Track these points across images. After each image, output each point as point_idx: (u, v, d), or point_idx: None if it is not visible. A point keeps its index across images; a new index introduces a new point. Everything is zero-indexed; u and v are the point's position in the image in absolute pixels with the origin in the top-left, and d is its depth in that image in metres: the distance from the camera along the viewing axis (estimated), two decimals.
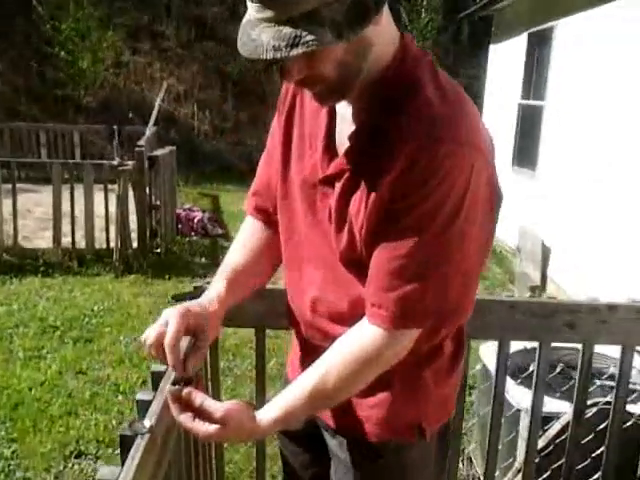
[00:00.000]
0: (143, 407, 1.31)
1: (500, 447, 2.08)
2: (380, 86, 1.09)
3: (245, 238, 1.41)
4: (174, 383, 1.14)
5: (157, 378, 1.41)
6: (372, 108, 1.10)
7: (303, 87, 1.12)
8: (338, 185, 1.13)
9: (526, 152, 7.56)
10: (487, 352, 2.66)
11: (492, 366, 2.09)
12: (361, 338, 1.12)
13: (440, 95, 1.06)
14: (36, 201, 7.60)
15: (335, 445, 1.34)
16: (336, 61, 1.01)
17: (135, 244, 6.27)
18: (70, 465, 3.12)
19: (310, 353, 1.27)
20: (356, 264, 1.15)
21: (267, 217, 1.38)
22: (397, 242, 1.06)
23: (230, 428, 1.09)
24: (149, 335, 1.13)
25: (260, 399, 2.06)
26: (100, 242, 6.24)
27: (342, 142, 1.14)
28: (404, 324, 1.09)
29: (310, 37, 0.93)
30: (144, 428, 1.17)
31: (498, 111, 8.32)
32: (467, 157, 1.02)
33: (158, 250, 6.51)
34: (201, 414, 1.10)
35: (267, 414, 1.12)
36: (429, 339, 1.17)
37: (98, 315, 5.02)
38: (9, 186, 6.07)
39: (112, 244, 6.16)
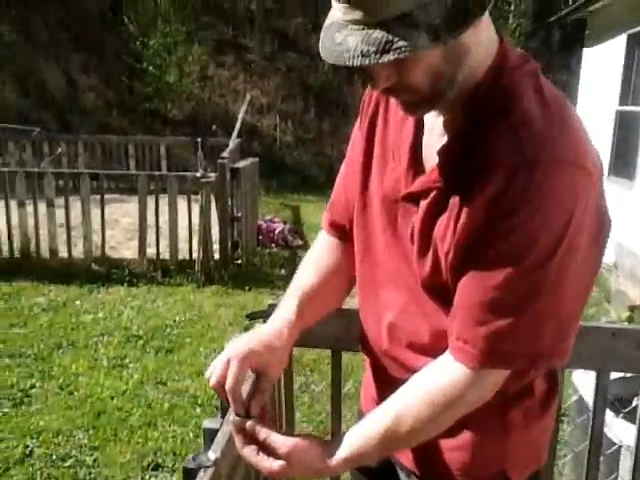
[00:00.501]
0: (209, 436, 1.24)
1: None
2: (475, 96, 0.97)
3: (318, 256, 1.31)
4: (238, 414, 1.07)
5: (225, 406, 1.34)
6: (465, 121, 0.99)
7: (389, 95, 1.01)
8: (423, 204, 1.02)
9: (624, 161, 7.16)
10: (582, 380, 2.46)
11: (589, 396, 1.91)
12: (442, 376, 1.01)
13: (541, 108, 0.93)
14: (123, 212, 7.84)
15: None
16: (429, 68, 0.90)
17: (217, 255, 6.33)
18: (147, 477, 3.13)
19: (385, 386, 1.17)
20: (441, 292, 1.04)
21: (343, 233, 1.28)
22: (489, 271, 0.94)
23: (295, 466, 1.02)
24: (212, 375, 1.07)
25: (335, 425, 1.97)
26: (183, 253, 6.34)
27: (430, 156, 1.03)
28: (492, 363, 0.97)
29: (403, 42, 0.82)
30: (208, 461, 1.11)
31: (593, 118, 7.90)
32: (571, 179, 0.90)
33: (239, 261, 6.55)
34: (266, 448, 1.03)
35: (337, 453, 1.03)
36: (517, 380, 1.05)
37: (179, 325, 5.08)
38: (98, 197, 6.26)
39: (195, 255, 6.25)
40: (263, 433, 1.04)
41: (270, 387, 1.14)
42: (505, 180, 0.90)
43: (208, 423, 1.29)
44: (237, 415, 1.07)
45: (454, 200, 0.97)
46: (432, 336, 1.08)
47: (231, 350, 1.09)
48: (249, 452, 1.04)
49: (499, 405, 1.07)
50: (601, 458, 1.86)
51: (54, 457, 3.25)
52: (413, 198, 1.04)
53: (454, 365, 0.99)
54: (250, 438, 1.05)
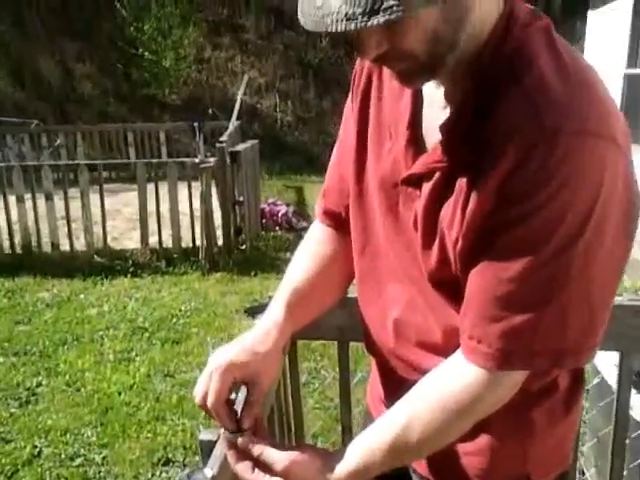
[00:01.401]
0: (206, 450, 1.14)
1: (625, 473, 1.80)
2: (480, 61, 0.85)
3: (312, 248, 1.19)
4: (228, 430, 0.98)
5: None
6: (470, 90, 0.86)
7: (382, 65, 0.89)
8: (427, 187, 0.90)
9: (633, 126, 6.98)
10: (605, 361, 2.34)
11: (612, 378, 1.81)
12: (454, 379, 0.90)
13: (559, 72, 0.81)
14: (125, 201, 7.74)
15: None
16: (425, 31, 0.78)
17: (220, 241, 6.24)
18: (158, 473, 3.07)
19: (393, 387, 1.07)
20: (450, 286, 0.92)
21: (339, 222, 1.16)
22: (505, 261, 0.83)
23: None
24: (196, 394, 0.97)
25: (345, 418, 1.88)
26: (186, 240, 6.24)
27: (431, 132, 0.91)
28: (510, 364, 0.86)
29: (394, 1, 0.70)
30: (204, 478, 1.01)
31: None
32: (597, 152, 0.78)
33: (243, 247, 6.45)
34: (262, 464, 0.94)
35: (341, 466, 0.93)
36: (540, 379, 0.95)
37: (185, 315, 5.00)
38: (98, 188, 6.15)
39: (198, 242, 6.15)
40: (257, 449, 0.94)
41: (262, 397, 1.03)
42: (521, 155, 0.79)
43: (204, 434, 1.19)
44: (228, 431, 0.98)
45: (461, 182, 0.85)
46: (444, 334, 0.97)
47: (212, 363, 0.99)
48: (243, 469, 0.95)
49: (520, 405, 0.96)
50: (627, 442, 1.77)
51: (63, 456, 3.20)
52: (414, 181, 0.93)
53: (467, 367, 0.88)
54: (244, 454, 0.95)
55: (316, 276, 1.14)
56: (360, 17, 0.71)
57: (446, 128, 0.87)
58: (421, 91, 0.94)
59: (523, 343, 0.84)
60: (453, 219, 0.87)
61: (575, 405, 1.07)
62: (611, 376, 2.09)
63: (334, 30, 0.73)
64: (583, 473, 2.58)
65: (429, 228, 0.91)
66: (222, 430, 0.99)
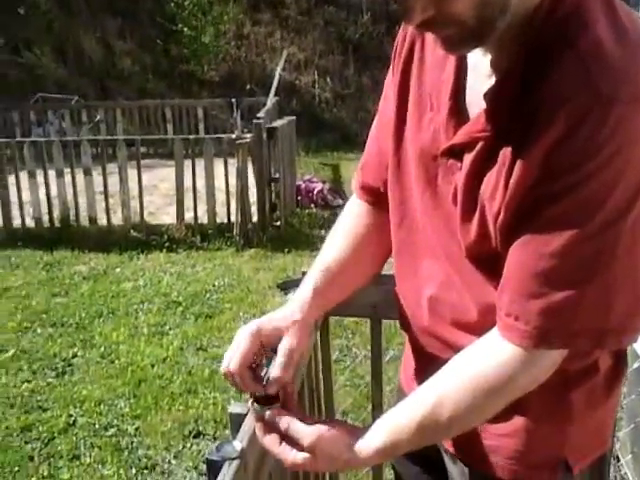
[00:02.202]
0: (236, 423, 1.11)
1: None
2: (532, 26, 0.79)
3: (348, 225, 1.16)
4: (257, 400, 0.95)
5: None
6: (519, 56, 0.81)
7: (428, 31, 0.83)
8: (468, 158, 0.86)
9: None
10: None
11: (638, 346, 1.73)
12: (488, 357, 0.86)
13: (617, 35, 0.75)
14: (162, 177, 7.78)
15: (457, 473, 1.08)
16: None
17: (255, 218, 6.23)
18: (189, 445, 3.10)
19: (427, 365, 1.03)
20: (489, 262, 0.88)
21: (377, 198, 1.12)
22: (548, 235, 0.78)
23: (321, 458, 0.90)
24: (223, 362, 0.97)
25: (376, 397, 1.85)
26: (221, 216, 6.27)
27: (475, 101, 0.87)
28: (549, 343, 0.82)
29: None
30: (234, 452, 0.99)
31: None
32: None
33: (278, 223, 6.44)
34: (290, 438, 0.91)
35: (368, 443, 0.90)
36: (580, 360, 0.90)
37: (219, 291, 5.02)
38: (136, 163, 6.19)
39: (233, 218, 6.16)
40: (284, 422, 0.92)
41: (291, 366, 1.00)
42: (571, 123, 0.74)
43: (234, 407, 1.17)
44: (256, 400, 0.95)
45: (505, 151, 0.81)
46: (480, 312, 0.93)
47: (239, 333, 0.98)
48: (270, 442, 0.93)
49: (558, 386, 0.92)
50: None
51: (97, 426, 3.26)
52: (455, 152, 0.88)
53: (502, 344, 0.84)
54: (272, 427, 0.93)
55: (348, 255, 1.11)
56: None
57: (491, 96, 0.83)
58: (465, 60, 0.89)
59: (563, 321, 0.80)
60: (495, 191, 0.83)
61: (616, 388, 1.02)
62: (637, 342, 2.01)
63: None
64: (618, 459, 2.50)
65: (469, 201, 0.87)
66: (250, 402, 0.97)
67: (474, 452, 1.02)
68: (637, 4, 8.52)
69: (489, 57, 0.85)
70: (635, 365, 2.25)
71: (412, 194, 1.00)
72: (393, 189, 1.04)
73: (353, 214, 1.17)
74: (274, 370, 0.98)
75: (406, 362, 1.21)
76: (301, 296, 1.07)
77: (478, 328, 0.92)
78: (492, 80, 0.84)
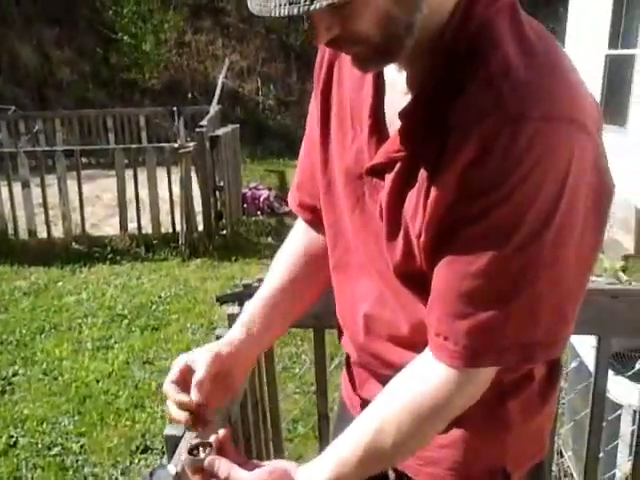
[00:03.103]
0: (171, 445, 1.09)
1: (601, 455, 1.79)
2: (441, 43, 0.79)
3: (290, 248, 1.16)
4: (191, 450, 0.91)
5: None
6: (431, 74, 0.81)
7: (336, 49, 0.83)
8: (389, 178, 0.86)
9: (615, 108, 6.96)
10: (583, 344, 2.32)
11: (589, 361, 1.79)
12: (424, 381, 0.86)
13: (525, 52, 0.76)
14: (104, 187, 7.63)
15: None
16: (377, 12, 0.73)
17: (201, 227, 6.17)
18: (136, 461, 3.03)
19: (365, 382, 1.05)
20: (417, 280, 0.88)
21: (315, 215, 1.11)
22: (470, 255, 0.78)
23: None
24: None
25: (322, 407, 1.85)
26: (166, 226, 6.18)
27: (394, 120, 0.87)
28: (479, 361, 0.82)
29: None
30: (168, 477, 0.96)
31: (581, 65, 7.65)
32: (564, 138, 0.74)
33: (224, 232, 6.39)
34: None
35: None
36: (512, 373, 0.92)
37: (165, 302, 4.95)
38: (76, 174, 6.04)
39: (178, 228, 6.08)
40: (224, 471, 0.87)
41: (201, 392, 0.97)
42: (484, 143, 0.74)
43: (169, 429, 1.14)
44: (189, 452, 0.90)
45: (422, 171, 0.81)
46: (412, 328, 0.93)
47: (193, 355, 1.01)
48: None
49: (494, 397, 0.93)
50: (604, 424, 1.75)
51: (40, 446, 3.16)
52: (378, 171, 0.88)
53: (435, 366, 0.84)
54: (210, 476, 0.89)
55: (291, 282, 1.12)
56: (303, 1, 0.67)
57: (405, 115, 0.83)
58: (383, 77, 0.89)
59: (491, 339, 0.80)
60: (416, 211, 0.83)
61: (552, 395, 1.03)
62: (589, 359, 2.08)
63: (278, 14, 0.68)
64: (562, 455, 2.57)
65: (393, 219, 0.87)
66: (182, 456, 0.93)
67: (415, 465, 1.02)
68: (561, 20, 8.82)
69: (404, 74, 0.86)
70: (574, 364, 2.32)
71: (343, 214, 0.99)
72: (326, 210, 1.04)
73: (295, 235, 1.17)
74: (195, 375, 0.97)
75: (347, 377, 1.20)
76: (230, 338, 1.07)
77: (411, 344, 0.93)
78: (408, 98, 0.84)
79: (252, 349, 1.09)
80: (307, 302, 1.17)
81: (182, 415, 0.95)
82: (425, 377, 0.85)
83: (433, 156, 0.79)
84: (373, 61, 0.80)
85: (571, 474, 2.57)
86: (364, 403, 1.03)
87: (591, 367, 1.80)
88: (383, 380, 0.92)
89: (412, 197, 0.83)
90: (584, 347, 2.32)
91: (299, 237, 1.16)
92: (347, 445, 0.88)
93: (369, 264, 0.97)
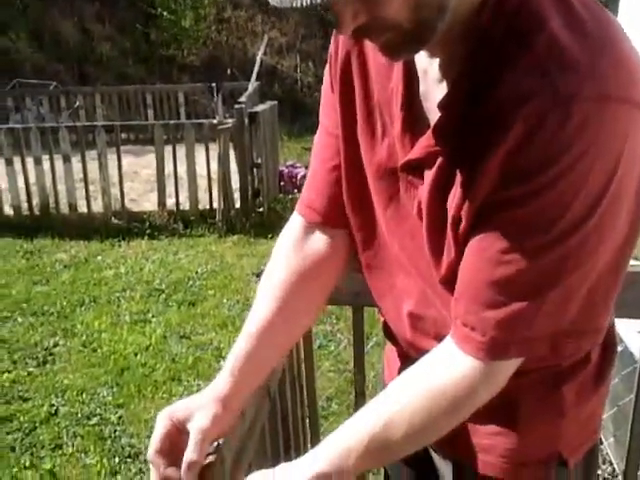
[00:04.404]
0: None
1: None
2: (479, 24, 0.73)
3: (278, 272, 1.04)
4: None
5: None
6: (468, 60, 0.75)
7: (363, 38, 0.76)
8: (429, 173, 0.81)
9: None
10: (628, 328, 2.26)
11: (635, 347, 1.74)
12: (444, 371, 0.81)
13: (574, 29, 0.70)
14: (143, 163, 7.70)
15: (448, 472, 1.05)
16: None
17: (238, 204, 6.19)
18: None
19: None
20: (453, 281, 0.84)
21: (326, 218, 1.02)
22: (504, 242, 0.74)
23: None
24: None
25: (359, 386, 1.84)
26: (204, 203, 6.22)
27: (429, 110, 0.81)
28: (505, 354, 0.78)
29: None
30: (209, 446, 0.93)
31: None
32: (619, 120, 0.68)
33: (261, 209, 6.39)
34: None
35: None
36: (539, 363, 0.87)
37: (202, 277, 4.99)
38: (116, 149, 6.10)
39: (215, 204, 6.11)
40: None
41: (205, 445, 0.90)
42: (530, 125, 0.69)
43: None
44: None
45: (466, 162, 0.76)
46: None
47: (156, 419, 0.93)
48: None
49: (549, 382, 0.90)
50: None
51: (79, 415, 3.23)
52: (414, 166, 0.83)
53: (459, 357, 0.80)
54: None
55: (281, 310, 1.01)
56: None
57: (444, 104, 0.77)
58: (414, 65, 0.83)
59: (520, 331, 0.76)
60: (461, 207, 0.78)
61: (606, 378, 0.99)
62: (634, 344, 2.02)
63: (299, 5, 0.64)
64: (601, 442, 2.52)
65: (435, 216, 0.82)
66: None
67: (465, 450, 0.99)
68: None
69: (437, 61, 0.80)
70: (618, 348, 2.25)
71: (375, 213, 0.95)
72: (353, 213, 0.98)
73: (294, 245, 1.05)
74: (187, 454, 0.87)
75: (390, 360, 1.17)
76: (221, 375, 0.97)
77: None
78: (443, 85, 0.79)
79: (243, 396, 0.99)
80: (299, 332, 1.12)
81: None
82: (447, 369, 0.81)
83: (476, 144, 0.74)
84: (404, 48, 0.74)
85: (610, 461, 2.52)
86: None
87: (636, 352, 1.75)
88: None
89: (456, 192, 0.78)
90: (629, 332, 2.26)
91: (288, 256, 1.05)
92: (352, 434, 0.84)
93: (407, 262, 0.93)
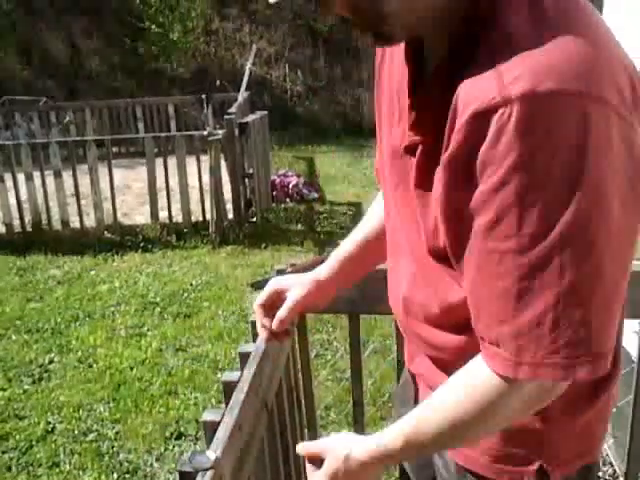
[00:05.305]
0: (210, 431, 1.09)
1: None
2: (458, 10, 0.75)
3: (373, 209, 1.25)
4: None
5: (229, 389, 1.19)
6: (448, 46, 0.78)
7: (354, 28, 0.82)
8: (413, 160, 0.86)
9: None
10: (625, 328, 2.24)
11: (632, 347, 1.74)
12: (473, 392, 0.82)
13: (533, 18, 0.69)
14: (134, 176, 7.68)
15: (442, 465, 1.07)
16: None
17: (230, 214, 6.18)
18: (171, 447, 3.06)
19: (415, 357, 1.08)
20: (443, 257, 0.86)
21: None
22: (486, 255, 0.74)
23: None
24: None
25: (356, 391, 1.84)
26: (196, 214, 6.21)
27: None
28: (534, 372, 0.75)
29: None
30: (207, 462, 0.96)
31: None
32: (575, 114, 0.66)
33: (254, 219, 6.39)
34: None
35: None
36: None
37: (196, 289, 4.97)
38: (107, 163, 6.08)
39: (208, 216, 6.10)
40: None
41: (293, 309, 1.17)
42: (475, 123, 0.69)
43: (207, 414, 1.14)
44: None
45: (438, 152, 0.78)
46: (442, 312, 0.92)
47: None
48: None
49: None
50: None
51: (76, 432, 3.21)
52: (410, 152, 0.87)
53: (487, 377, 0.79)
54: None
55: (368, 240, 1.22)
56: None
57: (420, 97, 0.82)
58: (422, 54, 0.87)
59: (541, 341, 0.73)
60: (435, 190, 0.81)
61: (604, 391, 0.96)
62: (631, 344, 2.02)
63: None
64: None
65: (422, 198, 0.86)
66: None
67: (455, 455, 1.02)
68: None
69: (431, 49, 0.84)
70: (627, 369, 2.25)
71: (389, 193, 1.00)
72: (383, 189, 1.06)
73: (378, 198, 1.22)
74: (279, 312, 1.16)
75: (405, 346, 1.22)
76: (327, 263, 1.22)
77: (447, 325, 0.91)
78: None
79: (335, 285, 1.23)
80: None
81: (263, 333, 1.20)
82: (476, 389, 0.81)
83: (440, 141, 0.75)
84: (372, 35, 0.80)
85: (610, 462, 2.51)
86: (414, 377, 1.12)
87: (633, 353, 1.75)
88: (430, 357, 0.97)
89: (433, 178, 0.81)
90: (626, 332, 2.24)
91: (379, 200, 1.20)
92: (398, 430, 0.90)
93: (406, 244, 0.97)
